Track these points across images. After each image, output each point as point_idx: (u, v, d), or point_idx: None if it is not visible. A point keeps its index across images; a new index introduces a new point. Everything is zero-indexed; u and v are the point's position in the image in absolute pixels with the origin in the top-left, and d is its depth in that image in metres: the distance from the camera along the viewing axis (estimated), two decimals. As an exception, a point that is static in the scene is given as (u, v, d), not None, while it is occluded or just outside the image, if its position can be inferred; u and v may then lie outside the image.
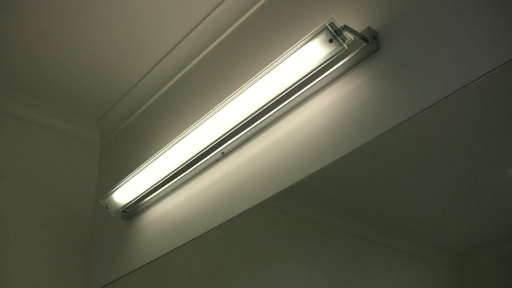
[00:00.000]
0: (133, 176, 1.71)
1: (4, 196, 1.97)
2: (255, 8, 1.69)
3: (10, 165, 2.03)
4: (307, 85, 1.31)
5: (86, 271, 2.05)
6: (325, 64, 1.24)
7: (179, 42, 1.91)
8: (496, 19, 1.00)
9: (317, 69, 1.26)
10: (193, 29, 1.86)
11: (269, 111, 1.39)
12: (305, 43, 1.22)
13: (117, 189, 1.77)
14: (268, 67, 1.31)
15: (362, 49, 1.20)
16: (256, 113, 1.39)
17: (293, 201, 1.37)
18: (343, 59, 1.24)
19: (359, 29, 1.21)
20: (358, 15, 1.27)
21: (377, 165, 1.22)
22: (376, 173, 1.23)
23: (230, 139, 1.49)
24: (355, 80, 1.23)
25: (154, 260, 1.68)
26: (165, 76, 2.01)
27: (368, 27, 1.20)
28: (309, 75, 1.27)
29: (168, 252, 1.63)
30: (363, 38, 1.18)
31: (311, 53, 1.23)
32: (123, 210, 1.85)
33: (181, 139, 1.56)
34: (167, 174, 1.64)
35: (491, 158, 1.06)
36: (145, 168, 1.67)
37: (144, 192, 1.73)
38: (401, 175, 1.20)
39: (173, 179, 1.67)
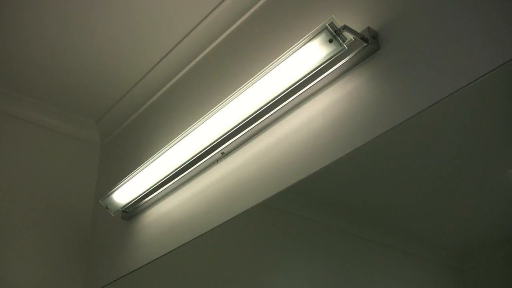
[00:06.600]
0: (133, 176, 1.71)
1: (4, 196, 1.97)
2: (255, 8, 1.69)
3: (10, 165, 2.03)
4: (307, 85, 1.31)
5: (86, 271, 2.05)
6: (325, 64, 1.24)
7: (179, 42, 1.91)
8: (496, 19, 1.00)
9: (317, 69, 1.26)
10: (193, 29, 1.86)
11: (269, 111, 1.39)
12: (305, 43, 1.22)
13: (117, 189, 1.77)
14: (268, 67, 1.31)
15: (362, 49, 1.20)
16: (256, 113, 1.39)
17: (293, 201, 1.37)
18: (343, 59, 1.24)
19: (359, 29, 1.21)
20: (358, 15, 1.27)
21: (377, 165, 1.22)
22: (376, 173, 1.23)
23: (230, 139, 1.49)
24: (355, 80, 1.23)
25: (154, 260, 1.68)
26: (165, 76, 2.01)
27: (368, 27, 1.20)
28: (309, 75, 1.27)
29: (168, 252, 1.63)
30: (363, 38, 1.18)
31: (311, 53, 1.23)
32: (123, 210, 1.85)
33: (181, 139, 1.56)
34: (167, 174, 1.64)
35: (491, 158, 1.06)
36: (145, 168, 1.67)
37: (144, 192, 1.73)
38: (400, 175, 1.20)
39: (173, 179, 1.67)
